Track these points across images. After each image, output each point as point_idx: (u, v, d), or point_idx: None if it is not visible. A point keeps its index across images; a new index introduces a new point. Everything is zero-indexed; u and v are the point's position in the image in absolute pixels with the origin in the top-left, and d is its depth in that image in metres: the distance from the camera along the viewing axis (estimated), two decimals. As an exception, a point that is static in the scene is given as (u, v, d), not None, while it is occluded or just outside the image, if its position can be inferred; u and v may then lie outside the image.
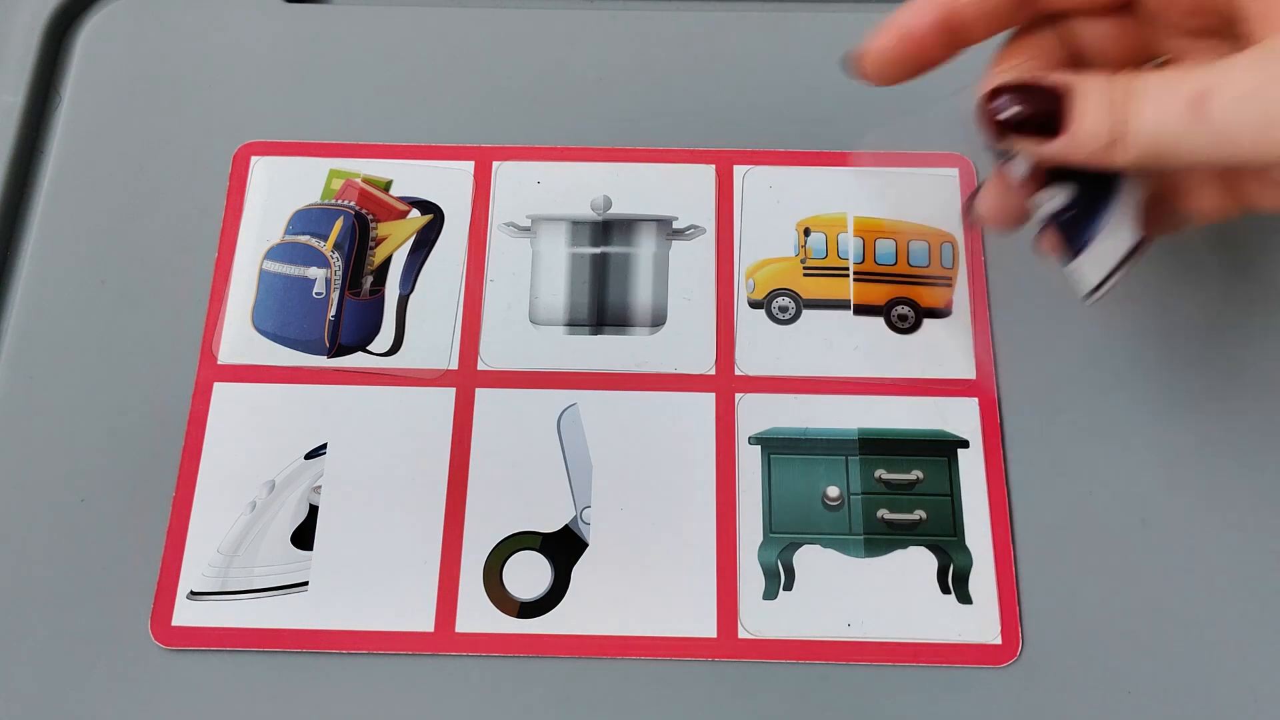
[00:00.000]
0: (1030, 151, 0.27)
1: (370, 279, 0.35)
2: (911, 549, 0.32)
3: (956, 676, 0.30)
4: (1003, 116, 0.27)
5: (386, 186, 0.37)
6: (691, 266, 0.35)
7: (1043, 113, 0.26)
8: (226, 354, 0.34)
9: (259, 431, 0.33)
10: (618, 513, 0.32)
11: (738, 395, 0.33)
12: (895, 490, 0.32)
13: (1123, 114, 0.25)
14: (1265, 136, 0.24)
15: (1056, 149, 0.27)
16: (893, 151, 0.37)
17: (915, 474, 0.32)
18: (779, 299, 0.35)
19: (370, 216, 0.36)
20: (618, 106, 0.37)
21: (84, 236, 0.36)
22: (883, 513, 0.32)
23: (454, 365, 0.34)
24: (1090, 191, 0.28)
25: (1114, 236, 0.28)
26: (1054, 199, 0.28)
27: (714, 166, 0.37)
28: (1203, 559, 0.32)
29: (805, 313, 0.35)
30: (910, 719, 0.30)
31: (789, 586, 0.31)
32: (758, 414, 0.33)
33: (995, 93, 0.27)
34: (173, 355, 0.34)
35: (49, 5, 0.38)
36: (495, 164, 0.37)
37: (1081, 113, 0.26)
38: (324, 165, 0.37)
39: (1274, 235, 0.36)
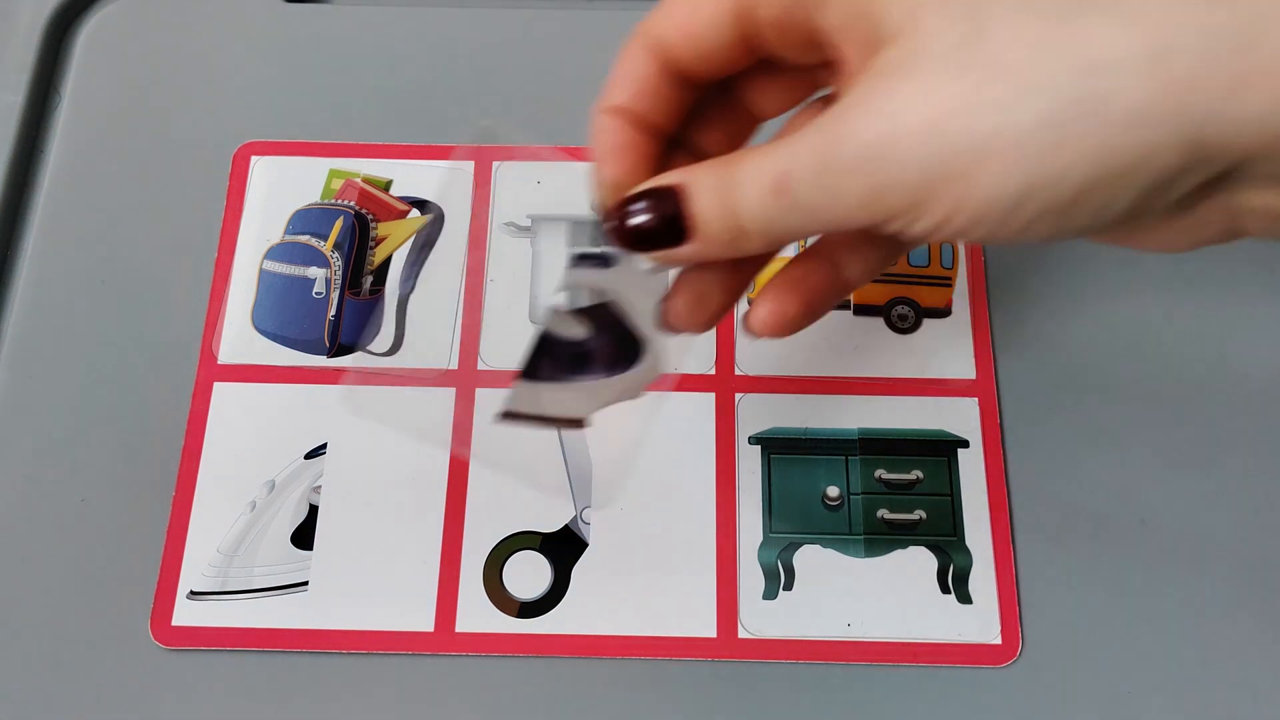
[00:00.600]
0: (667, 261, 0.25)
1: (370, 279, 0.35)
2: (911, 549, 0.32)
3: (956, 676, 0.30)
4: (630, 225, 0.24)
5: (386, 186, 0.37)
6: (691, 266, 0.35)
7: (666, 220, 0.24)
8: (226, 354, 0.34)
9: (259, 431, 0.33)
10: (618, 512, 0.32)
11: (738, 395, 0.33)
12: (895, 490, 0.32)
13: (733, 205, 0.23)
14: (844, 210, 0.21)
15: (691, 253, 0.24)
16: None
17: (915, 474, 0.32)
18: (779, 299, 0.35)
19: (370, 216, 0.36)
20: (618, 106, 0.37)
21: (84, 236, 0.35)
22: (883, 513, 0.32)
23: (454, 365, 0.34)
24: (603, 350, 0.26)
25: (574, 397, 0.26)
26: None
27: (714, 166, 0.36)
28: (1202, 559, 0.32)
29: (805, 313, 0.35)
30: (910, 719, 0.30)
31: (789, 586, 0.31)
32: (758, 414, 0.33)
33: (616, 208, 0.24)
34: (173, 355, 0.34)
35: (49, 5, 0.38)
36: (495, 164, 0.37)
37: (701, 213, 0.23)
38: (324, 165, 0.37)
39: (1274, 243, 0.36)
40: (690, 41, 0.24)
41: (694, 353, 0.34)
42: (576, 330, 0.26)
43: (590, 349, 0.26)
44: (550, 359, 0.26)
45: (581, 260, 0.27)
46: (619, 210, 0.24)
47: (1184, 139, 0.18)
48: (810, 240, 0.27)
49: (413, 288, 0.35)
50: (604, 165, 0.25)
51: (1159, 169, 0.18)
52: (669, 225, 0.24)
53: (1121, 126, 0.18)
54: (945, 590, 0.31)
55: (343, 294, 0.35)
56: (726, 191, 0.23)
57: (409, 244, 0.36)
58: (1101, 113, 0.18)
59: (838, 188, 0.21)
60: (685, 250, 0.24)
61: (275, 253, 0.35)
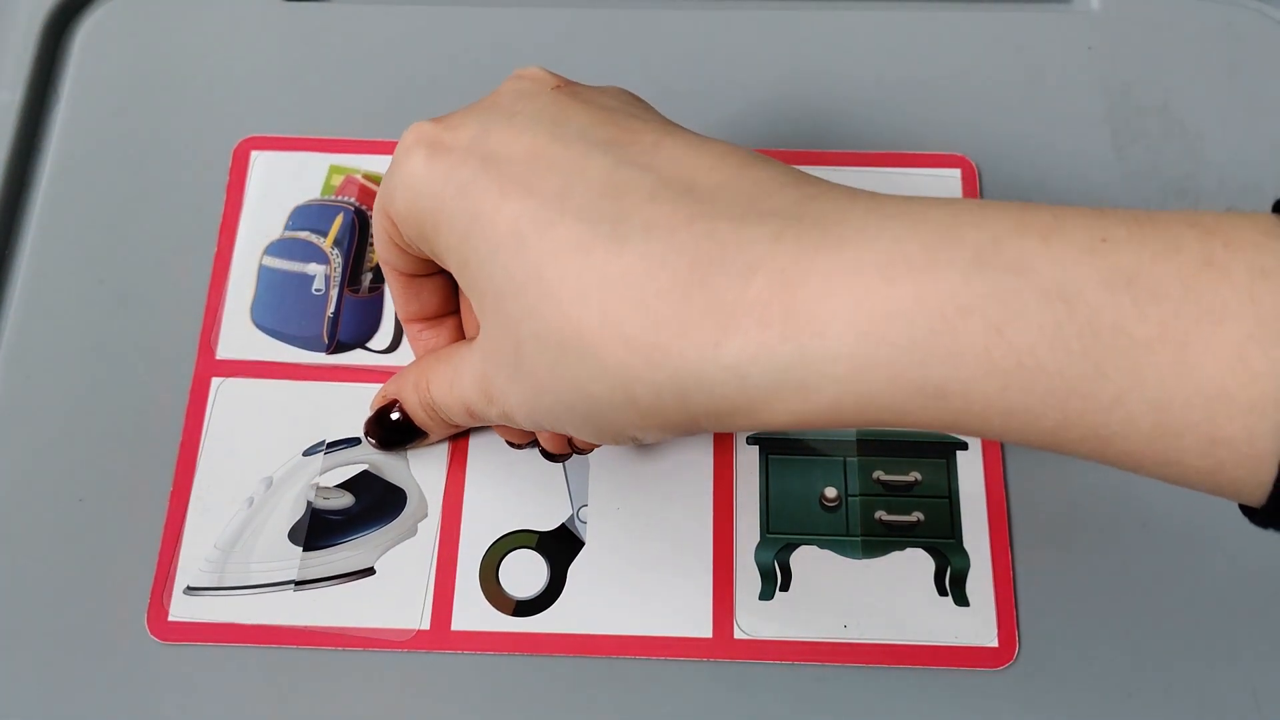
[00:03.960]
0: (429, 443, 0.32)
1: (370, 276, 0.35)
2: (909, 550, 0.32)
3: (953, 679, 0.30)
4: (379, 442, 0.32)
5: (386, 183, 0.36)
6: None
7: (403, 428, 0.31)
8: (225, 349, 0.34)
9: (257, 427, 0.33)
10: (614, 512, 0.32)
11: (736, 395, 0.33)
12: (893, 492, 0.32)
13: (444, 418, 0.30)
14: (520, 424, 0.27)
15: (437, 439, 0.32)
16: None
17: (913, 475, 0.32)
18: (778, 298, 0.35)
19: (370, 213, 0.36)
20: (618, 104, 0.37)
21: (83, 233, 0.35)
22: (880, 514, 0.32)
23: (452, 363, 0.34)
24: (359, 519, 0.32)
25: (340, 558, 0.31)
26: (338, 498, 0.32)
27: (714, 165, 0.36)
28: (1202, 561, 0.31)
29: (805, 312, 0.34)
30: (906, 721, 0.30)
31: (785, 587, 0.31)
32: (756, 414, 0.33)
33: (366, 427, 0.32)
34: (171, 350, 0.34)
35: (47, 2, 0.38)
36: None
37: (414, 414, 0.30)
38: (324, 161, 0.37)
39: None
40: (388, 259, 0.29)
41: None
42: (346, 500, 0.32)
43: (363, 509, 0.32)
44: (331, 528, 0.32)
45: (335, 445, 0.32)
46: (369, 429, 0.32)
47: (676, 431, 0.24)
48: None
49: (411, 285, 0.35)
50: (397, 307, 0.31)
51: (667, 435, 0.25)
52: (406, 430, 0.31)
53: (628, 427, 0.24)
54: (942, 592, 0.31)
55: (342, 291, 0.35)
56: (425, 391, 0.30)
57: (408, 241, 0.35)
58: (606, 419, 0.24)
59: (461, 401, 0.28)
60: (431, 439, 0.32)
61: (275, 248, 0.35)
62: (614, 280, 0.22)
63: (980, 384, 0.20)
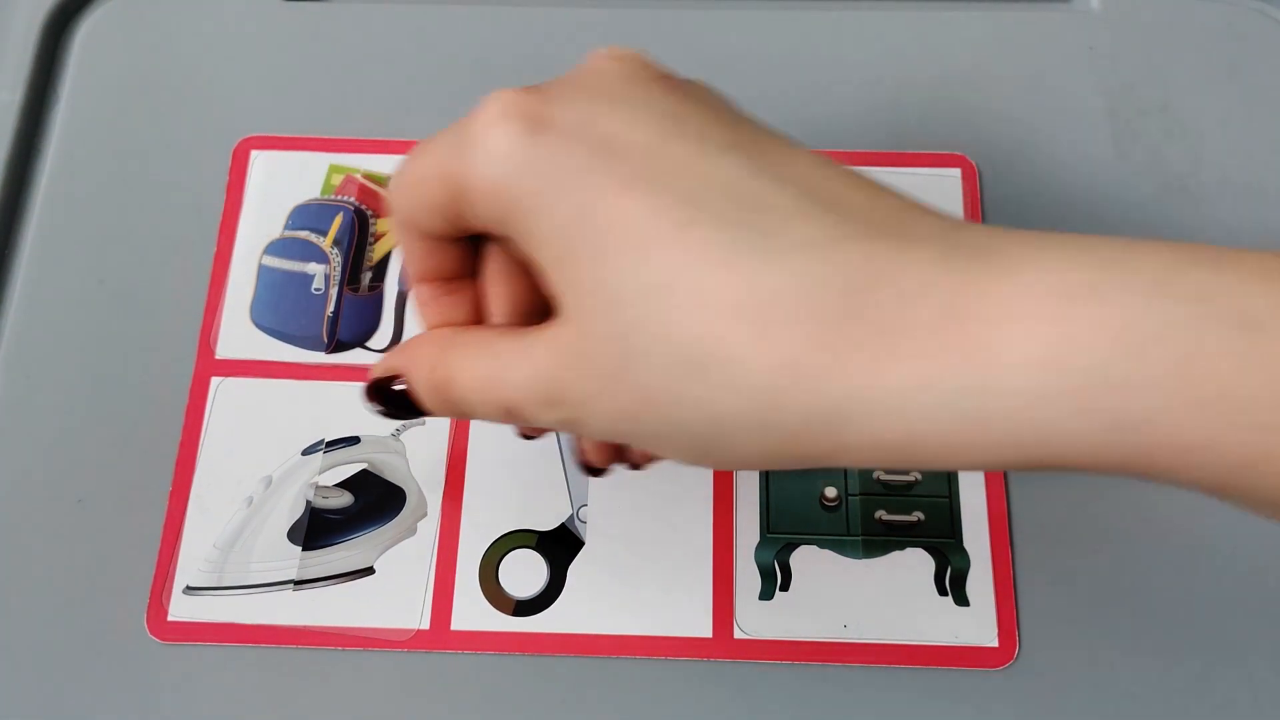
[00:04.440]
0: (415, 419, 0.28)
1: (369, 275, 0.35)
2: (909, 550, 0.32)
3: (953, 679, 0.30)
4: (377, 411, 0.27)
5: (386, 182, 0.36)
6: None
7: (408, 403, 0.26)
8: (225, 349, 0.34)
9: (257, 427, 0.33)
10: (614, 511, 0.32)
11: (736, 394, 0.33)
12: (893, 491, 0.32)
13: (448, 397, 0.26)
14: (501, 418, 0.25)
15: (430, 417, 0.28)
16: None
17: (914, 475, 0.32)
18: (778, 298, 0.35)
19: (370, 212, 0.36)
20: (618, 104, 0.37)
21: (82, 233, 0.35)
22: (880, 514, 0.32)
23: (452, 362, 0.34)
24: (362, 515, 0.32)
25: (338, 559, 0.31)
26: (338, 498, 0.32)
27: (714, 165, 0.36)
28: (1202, 561, 0.31)
29: (805, 312, 0.34)
30: (906, 721, 0.30)
31: (785, 587, 0.31)
32: (756, 413, 0.33)
33: (367, 391, 0.27)
34: (171, 350, 0.34)
35: (47, 2, 0.38)
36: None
37: (417, 392, 0.26)
38: (324, 160, 0.37)
39: (1276, 240, 0.35)
40: (423, 223, 0.25)
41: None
42: (345, 499, 0.32)
43: (362, 508, 0.32)
44: (331, 528, 0.31)
45: (333, 444, 0.32)
46: (371, 395, 0.27)
47: (788, 463, 0.22)
48: None
49: (411, 284, 0.35)
50: (409, 265, 0.27)
51: (774, 467, 0.23)
52: (405, 403, 0.26)
53: (743, 452, 0.22)
54: (942, 592, 0.31)
55: (341, 290, 0.35)
56: (446, 400, 0.25)
57: (408, 240, 0.35)
58: (723, 442, 0.22)
59: (489, 400, 0.25)
60: (426, 417, 0.28)
61: (274, 248, 0.35)
62: (765, 296, 0.20)
63: (1165, 415, 0.19)
